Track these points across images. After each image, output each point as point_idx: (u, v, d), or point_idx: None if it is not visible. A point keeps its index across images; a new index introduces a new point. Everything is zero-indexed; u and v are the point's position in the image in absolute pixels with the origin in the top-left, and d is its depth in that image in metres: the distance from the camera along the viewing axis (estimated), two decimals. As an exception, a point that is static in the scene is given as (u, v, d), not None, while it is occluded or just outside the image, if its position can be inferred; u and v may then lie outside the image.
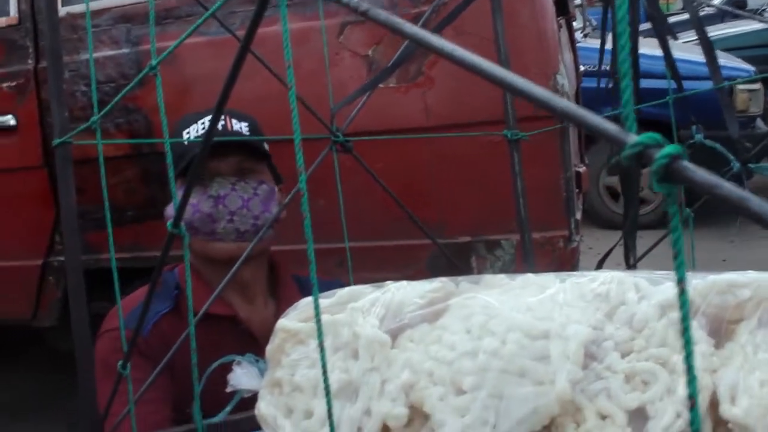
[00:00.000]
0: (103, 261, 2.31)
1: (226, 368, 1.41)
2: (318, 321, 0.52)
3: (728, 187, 0.36)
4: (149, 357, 1.32)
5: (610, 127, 0.34)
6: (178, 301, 1.44)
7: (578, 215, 2.16)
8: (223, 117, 1.45)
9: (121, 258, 2.25)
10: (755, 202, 0.32)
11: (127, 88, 0.88)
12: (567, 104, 0.33)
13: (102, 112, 0.94)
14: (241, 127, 1.47)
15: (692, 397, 0.37)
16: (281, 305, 1.50)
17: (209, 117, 1.45)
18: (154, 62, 0.78)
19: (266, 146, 1.52)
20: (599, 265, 1.93)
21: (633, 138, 0.36)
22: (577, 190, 2.16)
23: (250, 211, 1.42)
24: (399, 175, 1.99)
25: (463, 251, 2.07)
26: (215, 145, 1.40)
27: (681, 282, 0.39)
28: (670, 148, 0.36)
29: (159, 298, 1.43)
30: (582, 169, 2.35)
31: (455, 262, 1.92)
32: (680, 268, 0.38)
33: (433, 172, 2.05)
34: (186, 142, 1.46)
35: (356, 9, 0.47)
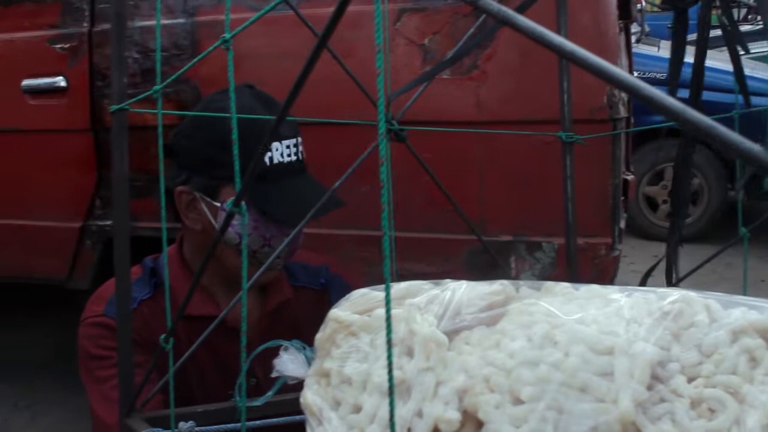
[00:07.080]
0: (139, 229, 2.32)
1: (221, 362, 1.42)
2: (388, 318, 0.50)
3: None
4: (134, 339, 1.31)
5: (754, 147, 0.32)
6: (156, 290, 1.46)
7: (622, 224, 2.12)
8: (295, 143, 1.43)
9: (155, 227, 2.26)
10: None
11: (197, 58, 0.87)
12: (707, 121, 0.31)
13: (165, 82, 0.92)
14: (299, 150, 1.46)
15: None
16: (268, 293, 1.50)
17: (293, 141, 1.41)
18: (227, 35, 0.76)
19: None
20: (644, 280, 1.89)
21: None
22: (622, 198, 2.12)
23: (298, 247, 1.46)
24: (445, 167, 1.96)
25: (503, 251, 2.04)
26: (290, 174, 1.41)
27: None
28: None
29: (137, 285, 1.44)
30: (630, 177, 2.30)
31: (499, 260, 1.89)
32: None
33: (480, 167, 2.02)
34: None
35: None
